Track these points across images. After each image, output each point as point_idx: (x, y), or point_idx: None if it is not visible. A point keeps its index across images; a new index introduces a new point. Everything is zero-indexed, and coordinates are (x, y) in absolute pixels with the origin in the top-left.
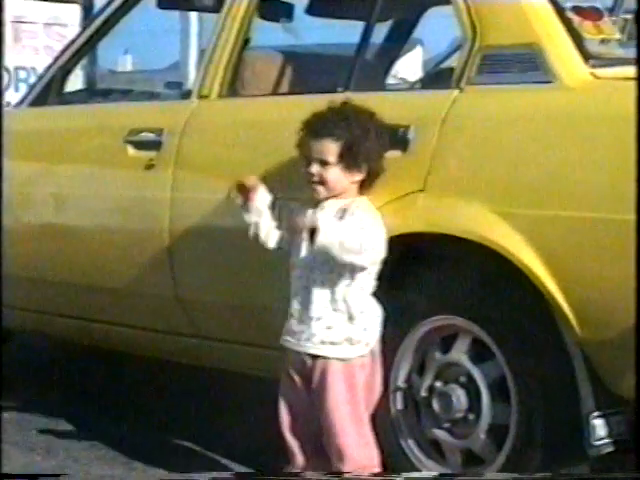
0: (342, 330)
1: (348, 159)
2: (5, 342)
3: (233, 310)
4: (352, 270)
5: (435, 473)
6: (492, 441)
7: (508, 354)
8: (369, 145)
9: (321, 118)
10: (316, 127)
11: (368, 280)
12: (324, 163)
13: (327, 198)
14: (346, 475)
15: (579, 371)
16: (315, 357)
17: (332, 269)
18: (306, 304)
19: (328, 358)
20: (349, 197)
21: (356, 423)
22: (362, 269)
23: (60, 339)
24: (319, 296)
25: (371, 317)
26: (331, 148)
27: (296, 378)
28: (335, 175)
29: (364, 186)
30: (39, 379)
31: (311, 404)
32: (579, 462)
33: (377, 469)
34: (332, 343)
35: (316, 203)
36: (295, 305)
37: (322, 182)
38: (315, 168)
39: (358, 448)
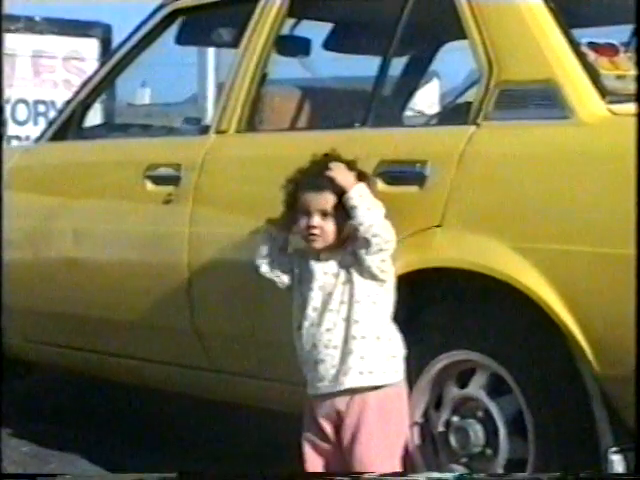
0: (375, 358)
1: (341, 209)
2: (26, 375)
3: (250, 344)
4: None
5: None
6: None
7: (525, 389)
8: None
9: (318, 172)
10: (315, 181)
11: (390, 307)
12: (324, 214)
13: (323, 250)
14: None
15: (596, 406)
16: (352, 393)
17: (357, 300)
18: (333, 343)
19: (366, 389)
20: (339, 245)
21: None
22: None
23: (79, 373)
24: (346, 331)
25: (397, 345)
26: (330, 199)
27: (327, 427)
28: (333, 225)
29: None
30: (58, 412)
31: (341, 454)
32: None
33: None
34: (370, 372)
35: (316, 255)
36: (319, 350)
37: (322, 233)
38: (316, 220)
39: None
